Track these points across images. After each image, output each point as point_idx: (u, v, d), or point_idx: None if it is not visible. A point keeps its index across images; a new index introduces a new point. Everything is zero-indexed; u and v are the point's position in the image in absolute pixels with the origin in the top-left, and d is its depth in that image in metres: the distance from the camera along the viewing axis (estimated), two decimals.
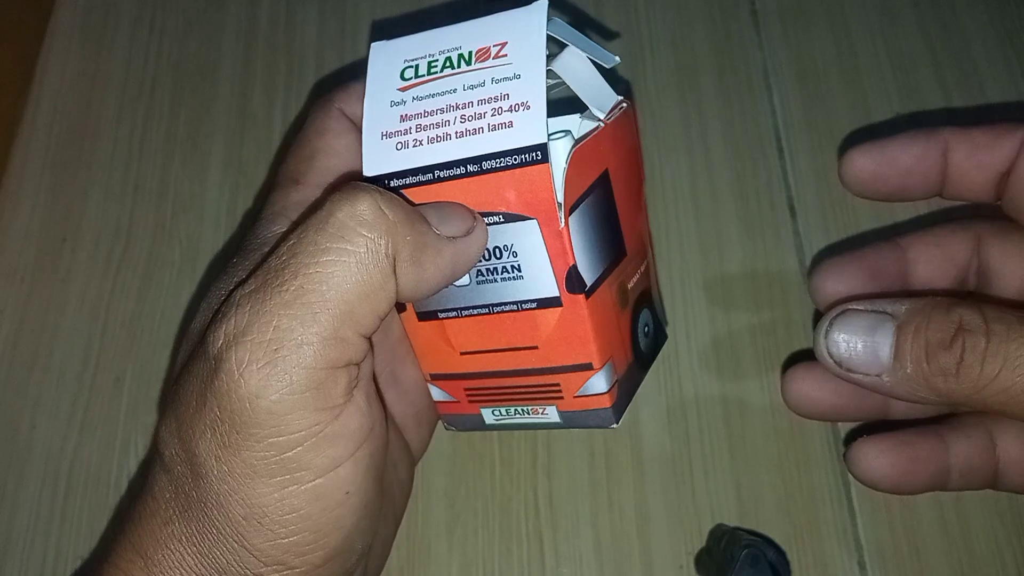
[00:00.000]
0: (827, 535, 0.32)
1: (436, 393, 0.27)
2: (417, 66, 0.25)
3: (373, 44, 0.26)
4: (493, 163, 0.23)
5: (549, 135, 0.23)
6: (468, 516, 0.33)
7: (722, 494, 0.33)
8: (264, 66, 0.42)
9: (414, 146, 0.24)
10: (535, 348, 0.25)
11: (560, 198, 0.23)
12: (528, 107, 0.23)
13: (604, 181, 0.25)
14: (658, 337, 0.29)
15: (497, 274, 0.24)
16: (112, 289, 0.38)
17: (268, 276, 0.21)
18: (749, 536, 0.31)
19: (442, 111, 0.24)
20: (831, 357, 0.25)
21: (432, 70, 0.24)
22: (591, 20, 0.42)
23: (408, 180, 0.24)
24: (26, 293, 0.38)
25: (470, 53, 0.24)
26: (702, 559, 0.32)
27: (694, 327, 0.36)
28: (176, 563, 0.22)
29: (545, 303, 0.24)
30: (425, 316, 0.26)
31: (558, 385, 0.25)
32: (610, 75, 0.26)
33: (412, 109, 0.24)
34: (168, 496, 0.23)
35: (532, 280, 0.24)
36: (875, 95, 0.40)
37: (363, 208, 0.21)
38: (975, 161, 0.27)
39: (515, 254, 0.24)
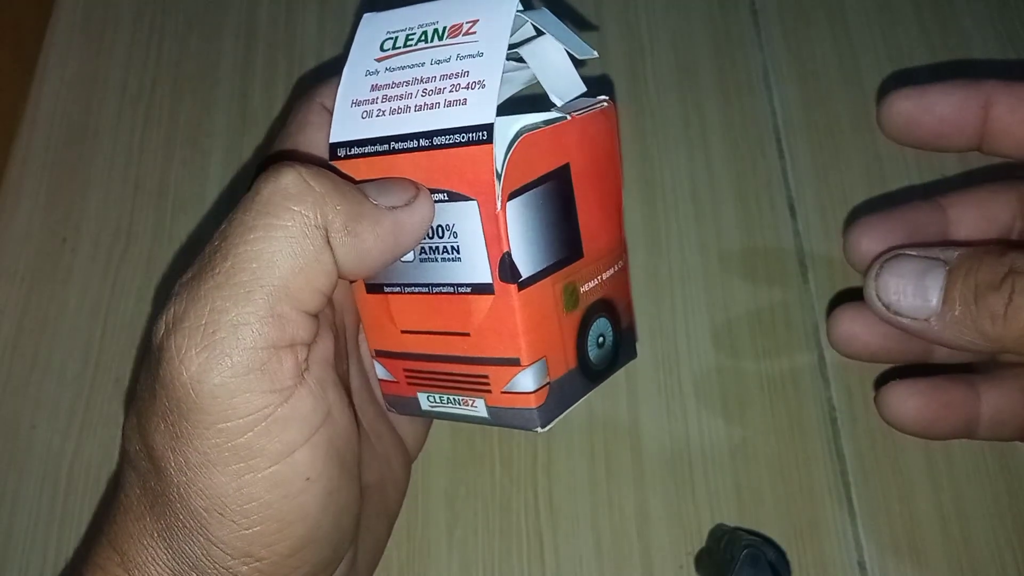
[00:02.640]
0: (827, 535, 0.32)
1: (379, 371, 0.27)
2: (396, 38, 0.25)
3: (364, 15, 0.26)
4: (443, 139, 0.23)
5: (529, 125, 0.23)
6: (468, 516, 0.33)
7: (722, 494, 0.33)
8: (264, 66, 0.42)
9: (377, 116, 0.24)
10: (467, 335, 0.24)
11: (500, 180, 0.22)
12: (483, 86, 0.23)
13: (562, 175, 0.24)
14: (619, 352, 0.27)
15: (438, 253, 0.24)
16: (112, 289, 0.38)
17: (203, 262, 0.21)
18: (749, 536, 0.31)
19: (408, 83, 0.24)
20: (880, 300, 0.25)
21: (408, 43, 0.25)
22: (582, 18, 0.42)
23: (367, 149, 0.24)
24: (26, 293, 0.38)
25: (444, 29, 0.24)
26: (702, 559, 0.32)
27: (694, 327, 0.36)
28: (150, 559, 0.22)
29: (479, 289, 0.24)
30: (372, 289, 0.26)
31: (487, 377, 0.24)
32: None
33: (382, 80, 0.25)
34: (138, 492, 0.23)
35: (469, 264, 0.24)
36: (875, 95, 0.40)
37: (287, 182, 0.21)
38: (1017, 115, 0.27)
39: (455, 235, 0.24)
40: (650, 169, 0.39)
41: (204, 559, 0.22)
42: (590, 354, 0.26)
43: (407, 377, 0.26)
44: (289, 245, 0.21)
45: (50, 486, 0.35)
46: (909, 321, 0.25)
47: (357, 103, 0.25)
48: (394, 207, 0.23)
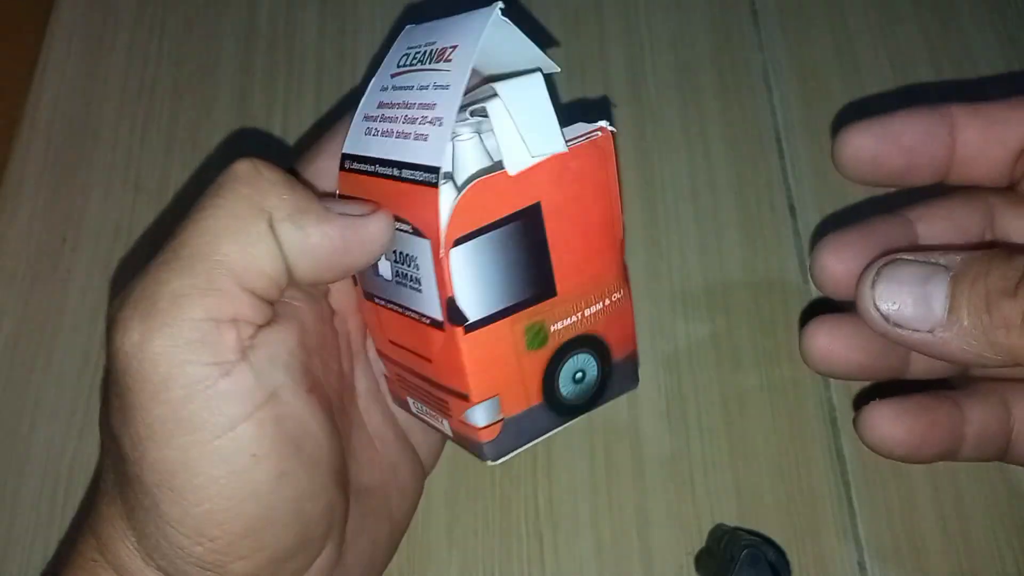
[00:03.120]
0: (827, 535, 0.32)
1: (385, 369, 0.28)
2: (409, 54, 0.24)
3: (406, 27, 0.26)
4: (408, 173, 0.23)
5: (488, 167, 0.22)
6: (468, 516, 0.33)
7: (722, 494, 0.33)
8: (264, 66, 0.42)
9: (373, 135, 0.24)
10: (431, 361, 0.24)
11: (444, 227, 0.22)
12: (440, 124, 0.22)
13: (530, 214, 0.23)
14: (607, 385, 0.26)
15: (407, 280, 0.24)
16: (112, 289, 0.38)
17: (163, 244, 0.22)
18: (749, 536, 0.31)
19: (398, 107, 0.24)
20: (877, 310, 0.23)
21: (413, 61, 0.24)
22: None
23: (363, 167, 0.24)
24: (26, 293, 0.38)
25: (435, 51, 0.23)
26: (702, 559, 0.32)
27: (694, 327, 0.36)
28: (120, 539, 0.22)
29: (434, 323, 0.23)
30: (367, 296, 0.26)
31: (447, 403, 0.24)
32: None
33: (387, 98, 0.24)
34: (113, 477, 0.23)
35: (427, 297, 0.23)
36: (876, 95, 0.40)
37: (238, 168, 0.22)
38: (990, 136, 0.25)
39: (417, 267, 0.23)
40: (650, 169, 0.39)
41: (163, 541, 0.22)
42: (562, 390, 0.25)
43: (398, 380, 0.27)
44: (232, 221, 0.22)
45: (50, 486, 0.35)
46: (909, 333, 0.23)
47: (367, 118, 0.25)
48: (345, 214, 0.23)
